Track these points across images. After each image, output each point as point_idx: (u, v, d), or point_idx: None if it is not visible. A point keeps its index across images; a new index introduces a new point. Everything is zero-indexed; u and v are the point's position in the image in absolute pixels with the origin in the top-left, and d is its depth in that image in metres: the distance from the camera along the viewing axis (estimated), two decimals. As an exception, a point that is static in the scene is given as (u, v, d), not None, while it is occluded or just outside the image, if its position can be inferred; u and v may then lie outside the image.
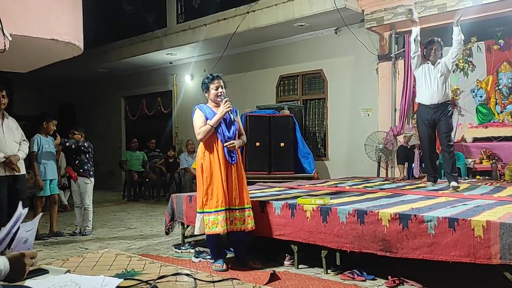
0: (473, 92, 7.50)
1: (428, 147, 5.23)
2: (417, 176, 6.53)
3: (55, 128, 5.78)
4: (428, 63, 5.04)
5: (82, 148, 5.88)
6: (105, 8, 10.86)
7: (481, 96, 7.45)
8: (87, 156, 5.91)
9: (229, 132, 3.91)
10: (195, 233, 4.12)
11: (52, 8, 3.97)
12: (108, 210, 8.17)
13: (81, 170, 5.86)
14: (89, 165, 5.90)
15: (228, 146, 3.84)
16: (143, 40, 10.32)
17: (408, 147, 6.60)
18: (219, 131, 3.88)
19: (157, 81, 11.75)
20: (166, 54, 10.37)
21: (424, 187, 5.36)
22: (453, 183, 4.89)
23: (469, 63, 7.50)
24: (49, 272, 1.92)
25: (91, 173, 5.93)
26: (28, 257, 1.71)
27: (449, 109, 5.06)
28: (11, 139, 4.82)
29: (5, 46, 3.69)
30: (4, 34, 3.64)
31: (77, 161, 5.89)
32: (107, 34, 10.93)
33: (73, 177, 5.90)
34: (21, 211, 1.81)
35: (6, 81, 8.21)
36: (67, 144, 5.85)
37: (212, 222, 3.76)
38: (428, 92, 5.00)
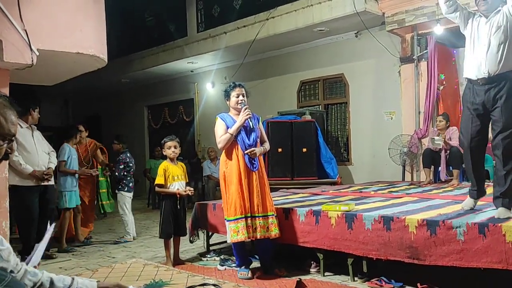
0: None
1: (471, 148, 3.38)
2: (443, 180, 6.39)
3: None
4: (480, 16, 3.32)
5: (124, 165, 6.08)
6: (127, 19, 11.08)
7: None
8: (126, 170, 6.06)
9: (249, 139, 3.92)
10: (227, 241, 4.13)
11: (77, 23, 4.07)
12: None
13: (121, 184, 6.04)
14: (128, 178, 6.07)
15: (248, 153, 3.85)
16: (164, 50, 10.45)
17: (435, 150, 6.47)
18: (239, 138, 3.91)
19: (178, 90, 11.88)
20: (187, 62, 10.47)
21: (463, 209, 3.60)
22: (501, 211, 3.21)
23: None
24: None
25: (130, 187, 6.10)
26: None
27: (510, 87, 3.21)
28: (42, 150, 4.95)
29: (32, 61, 3.82)
30: (31, 50, 3.76)
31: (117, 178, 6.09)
32: (129, 44, 11.13)
33: (111, 166, 6.03)
34: (51, 229, 1.86)
35: (35, 95, 8.45)
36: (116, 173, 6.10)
37: (233, 230, 3.79)
38: (475, 59, 3.27)
